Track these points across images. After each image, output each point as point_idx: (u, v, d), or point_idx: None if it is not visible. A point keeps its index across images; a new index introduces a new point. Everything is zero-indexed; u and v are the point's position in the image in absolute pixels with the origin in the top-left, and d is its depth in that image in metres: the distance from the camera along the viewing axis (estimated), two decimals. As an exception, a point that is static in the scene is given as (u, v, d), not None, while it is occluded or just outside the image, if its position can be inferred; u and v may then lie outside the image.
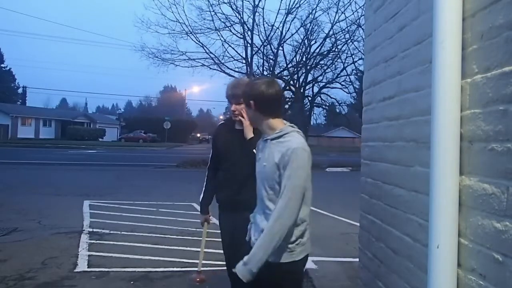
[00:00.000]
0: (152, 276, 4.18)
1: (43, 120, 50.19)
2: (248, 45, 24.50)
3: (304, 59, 28.20)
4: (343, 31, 24.67)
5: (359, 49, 23.10)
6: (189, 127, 58.12)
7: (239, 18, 23.98)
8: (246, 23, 24.22)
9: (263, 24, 24.75)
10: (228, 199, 2.73)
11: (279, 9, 25.63)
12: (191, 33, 23.04)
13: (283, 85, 31.30)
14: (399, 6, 2.36)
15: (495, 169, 1.43)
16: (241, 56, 24.70)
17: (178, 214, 7.30)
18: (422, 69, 2.02)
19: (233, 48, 24.79)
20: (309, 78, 33.78)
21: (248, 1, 24.09)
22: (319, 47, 27.17)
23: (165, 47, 23.27)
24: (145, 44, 24.81)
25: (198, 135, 64.25)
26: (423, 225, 1.91)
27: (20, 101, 65.71)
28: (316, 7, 24.87)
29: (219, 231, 2.88)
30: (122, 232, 5.88)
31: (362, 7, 18.00)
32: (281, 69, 28.26)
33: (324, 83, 34.19)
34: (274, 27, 24.91)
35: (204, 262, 3.19)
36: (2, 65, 61.85)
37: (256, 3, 23.74)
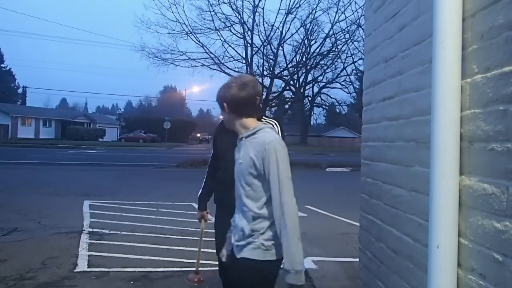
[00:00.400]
0: (152, 276, 4.18)
1: (43, 120, 50.18)
2: (248, 45, 24.55)
3: (304, 59, 28.25)
4: (343, 31, 24.75)
5: (359, 49, 23.13)
6: (189, 127, 58.13)
7: (239, 18, 24.05)
8: (246, 23, 24.28)
9: (263, 24, 24.83)
10: (224, 199, 2.73)
11: (279, 9, 25.76)
12: (191, 33, 23.12)
13: (283, 85, 31.37)
14: (399, 6, 2.36)
15: (495, 169, 1.43)
16: (241, 56, 24.78)
17: (178, 214, 7.30)
18: (422, 69, 2.02)
19: (233, 48, 24.89)
20: (309, 78, 33.81)
21: (248, 1, 24.22)
22: (319, 47, 27.25)
23: (165, 47, 23.38)
24: (145, 44, 24.94)
25: (198, 135, 64.26)
26: (423, 225, 1.91)
27: (20, 101, 65.73)
28: (316, 7, 24.95)
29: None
30: (122, 232, 5.88)
31: (362, 7, 17.99)
32: (281, 69, 28.33)
33: (324, 83, 34.23)
34: (274, 27, 25.00)
35: (203, 262, 3.19)
36: (2, 65, 61.88)
37: (256, 3, 23.81)
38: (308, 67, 29.44)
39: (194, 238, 5.52)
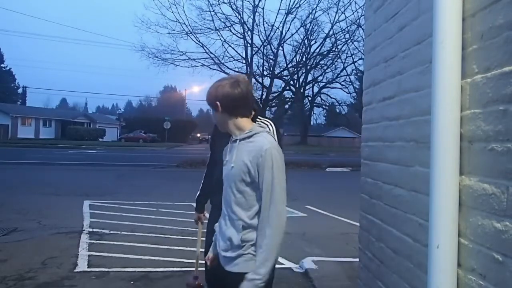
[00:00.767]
0: (152, 276, 4.18)
1: (43, 120, 50.18)
2: (248, 45, 24.54)
3: (304, 59, 28.24)
4: (343, 31, 24.72)
5: (359, 49, 23.13)
6: (189, 127, 58.12)
7: (239, 18, 24.03)
8: (246, 23, 24.26)
9: (263, 24, 24.81)
10: (219, 203, 2.71)
11: (279, 9, 25.71)
12: (191, 33, 23.09)
13: (283, 85, 31.37)
14: (399, 6, 2.36)
15: (495, 169, 1.43)
16: (241, 56, 24.75)
17: (178, 214, 7.31)
18: (422, 69, 2.02)
19: (233, 48, 24.85)
20: (309, 78, 33.82)
21: (248, 1, 24.17)
22: (319, 47, 27.23)
23: (165, 47, 23.34)
24: (145, 44, 24.89)
25: (198, 135, 64.25)
26: (423, 225, 1.91)
27: (20, 101, 65.74)
28: (316, 7, 24.94)
29: None
30: (122, 232, 5.88)
31: (362, 7, 18.00)
32: (281, 69, 28.32)
33: (324, 83, 34.24)
34: (274, 27, 24.97)
35: (202, 262, 3.16)
36: (2, 65, 61.88)
37: (256, 3, 23.79)
38: (308, 67, 29.44)
39: (194, 238, 5.52)
